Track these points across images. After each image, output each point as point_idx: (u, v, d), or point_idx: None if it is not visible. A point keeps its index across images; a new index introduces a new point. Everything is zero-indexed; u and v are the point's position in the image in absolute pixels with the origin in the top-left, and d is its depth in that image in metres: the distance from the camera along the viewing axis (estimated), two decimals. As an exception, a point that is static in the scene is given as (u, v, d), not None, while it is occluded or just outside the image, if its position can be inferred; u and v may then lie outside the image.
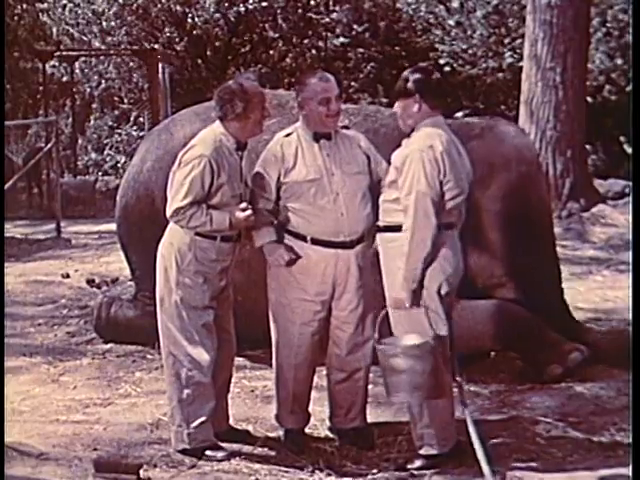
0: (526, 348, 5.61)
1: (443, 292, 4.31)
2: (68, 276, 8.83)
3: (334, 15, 18.48)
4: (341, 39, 18.35)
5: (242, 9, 17.76)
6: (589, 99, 13.20)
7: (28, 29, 19.77)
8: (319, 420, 4.97)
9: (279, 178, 4.60)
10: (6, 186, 11.19)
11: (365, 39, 18.52)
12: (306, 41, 18.83)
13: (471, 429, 4.15)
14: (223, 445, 4.68)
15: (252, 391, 5.59)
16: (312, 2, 18.53)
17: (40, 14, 19.69)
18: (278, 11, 18.35)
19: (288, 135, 4.67)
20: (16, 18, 19.57)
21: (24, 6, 19.82)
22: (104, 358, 6.35)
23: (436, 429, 4.43)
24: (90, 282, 8.48)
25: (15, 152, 17.13)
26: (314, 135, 4.62)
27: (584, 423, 4.96)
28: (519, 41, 14.67)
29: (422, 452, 4.47)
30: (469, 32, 16.61)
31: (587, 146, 12.68)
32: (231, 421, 4.95)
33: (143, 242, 5.91)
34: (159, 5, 18.03)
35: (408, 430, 4.59)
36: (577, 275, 8.59)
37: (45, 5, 19.56)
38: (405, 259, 4.27)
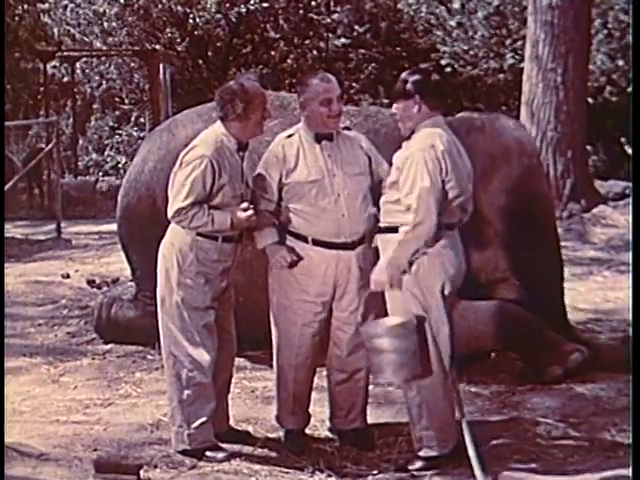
0: (527, 349, 5.61)
1: (446, 292, 4.32)
2: (68, 276, 8.83)
3: (335, 16, 18.49)
4: (342, 40, 18.36)
5: (243, 10, 17.77)
6: (590, 100, 13.19)
7: (29, 29, 19.75)
8: (319, 421, 4.97)
9: (281, 179, 4.60)
10: (6, 187, 11.19)
11: (366, 40, 18.53)
12: (307, 42, 18.84)
13: (467, 439, 4.15)
14: (223, 446, 4.68)
15: (252, 392, 5.58)
16: (313, 3, 18.54)
17: (41, 14, 19.70)
18: (279, 12, 18.38)
19: (290, 136, 4.67)
20: (17, 18, 19.55)
21: (25, 6, 19.81)
22: (104, 358, 6.35)
23: (435, 430, 4.42)
24: (90, 282, 8.48)
25: (16, 152, 17.10)
26: (316, 136, 4.62)
27: (584, 424, 4.96)
28: (520, 42, 14.68)
29: (421, 454, 4.46)
30: (470, 33, 16.60)
31: (588, 147, 12.68)
32: (231, 422, 4.95)
33: (144, 242, 5.90)
34: (160, 6, 18.04)
35: (408, 431, 4.58)
36: (578, 276, 8.58)
37: (46, 5, 19.58)
38: (397, 245, 4.26)
